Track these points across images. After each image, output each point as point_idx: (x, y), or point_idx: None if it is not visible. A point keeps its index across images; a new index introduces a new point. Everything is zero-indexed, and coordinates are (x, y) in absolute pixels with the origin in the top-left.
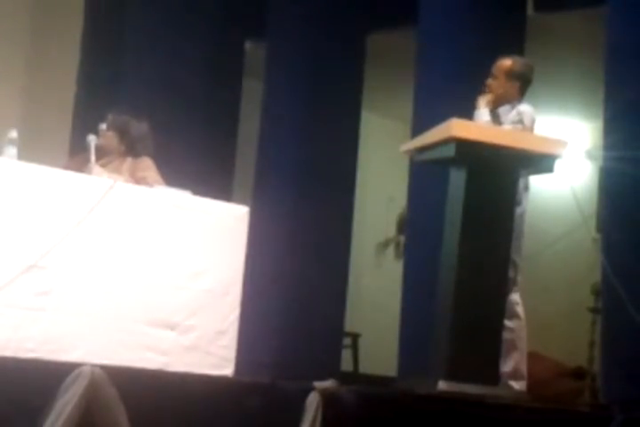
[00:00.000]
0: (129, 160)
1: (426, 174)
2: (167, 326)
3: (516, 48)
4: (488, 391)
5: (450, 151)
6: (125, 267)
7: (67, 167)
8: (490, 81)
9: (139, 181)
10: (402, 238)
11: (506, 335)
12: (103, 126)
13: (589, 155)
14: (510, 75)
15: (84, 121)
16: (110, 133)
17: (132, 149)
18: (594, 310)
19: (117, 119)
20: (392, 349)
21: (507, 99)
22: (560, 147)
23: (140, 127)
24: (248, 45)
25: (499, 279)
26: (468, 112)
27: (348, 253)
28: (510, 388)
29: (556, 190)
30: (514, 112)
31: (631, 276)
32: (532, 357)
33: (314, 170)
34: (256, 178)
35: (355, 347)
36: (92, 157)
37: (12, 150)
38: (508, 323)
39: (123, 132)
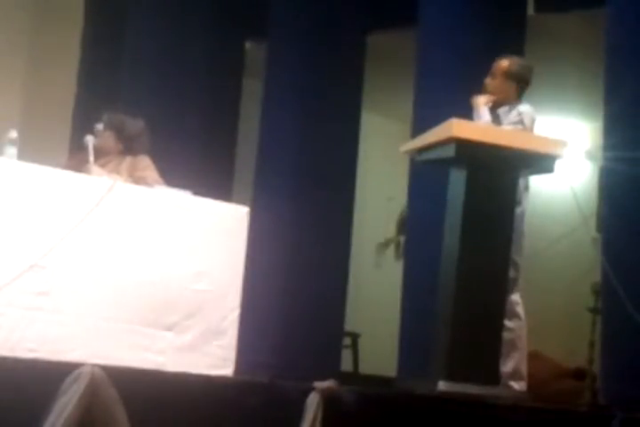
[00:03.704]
0: (128, 159)
1: (426, 174)
2: (167, 326)
3: (515, 48)
4: (488, 391)
5: (450, 151)
6: (125, 267)
7: (67, 166)
8: (488, 80)
9: (138, 180)
10: (402, 238)
11: (506, 335)
12: (99, 126)
13: (589, 155)
14: (508, 75)
15: (84, 121)
16: (107, 133)
17: (129, 147)
18: (594, 310)
19: (113, 118)
20: (392, 349)
21: (505, 99)
22: (560, 147)
23: (135, 125)
24: (248, 45)
25: (499, 279)
26: (468, 112)
27: (348, 253)
28: (510, 388)
29: (556, 190)
30: (514, 112)
31: (631, 276)
32: (532, 357)
33: (314, 170)
34: (256, 178)
35: (355, 347)
36: (91, 158)
37: (12, 150)
38: (508, 323)
39: (119, 131)
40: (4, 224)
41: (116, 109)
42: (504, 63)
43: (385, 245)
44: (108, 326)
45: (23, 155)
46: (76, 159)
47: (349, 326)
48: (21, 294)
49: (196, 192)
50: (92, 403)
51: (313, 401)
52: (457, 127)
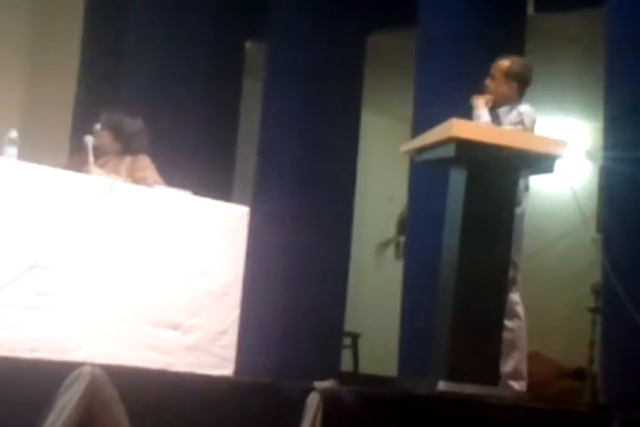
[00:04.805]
0: (127, 159)
1: (426, 174)
2: (169, 325)
3: (515, 48)
4: (488, 391)
5: (450, 151)
6: (126, 267)
7: (67, 166)
8: (488, 81)
9: (138, 181)
10: (402, 238)
11: (506, 335)
12: (97, 126)
13: (589, 155)
14: (508, 75)
15: (84, 121)
16: (105, 133)
17: (127, 146)
18: (594, 310)
19: (111, 118)
20: (392, 349)
21: (506, 99)
22: (560, 147)
23: (133, 124)
24: (248, 45)
25: (499, 279)
26: (468, 112)
27: (348, 253)
28: (510, 388)
29: (556, 190)
30: (514, 113)
31: (631, 276)
32: (532, 357)
33: (314, 170)
34: (256, 178)
35: (355, 347)
36: (91, 159)
37: (12, 150)
38: (508, 323)
39: (117, 131)
40: (4, 224)
41: (114, 109)
42: (505, 63)
43: (385, 245)
44: (112, 326)
45: (23, 155)
46: (76, 160)
47: (349, 326)
48: (22, 293)
49: (196, 192)
50: (91, 403)
51: (313, 401)
52: (457, 127)
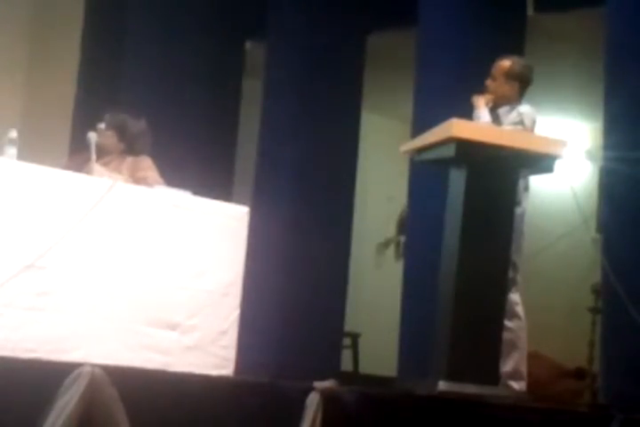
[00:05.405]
0: (129, 159)
1: (426, 174)
2: (168, 326)
3: (515, 48)
4: (488, 391)
5: (450, 151)
6: (125, 267)
7: (67, 166)
8: (489, 82)
9: (139, 181)
10: (402, 238)
11: (506, 335)
12: (102, 126)
13: (589, 155)
14: (509, 75)
15: (84, 121)
16: (109, 132)
17: (130, 147)
18: (594, 310)
19: (115, 118)
20: (392, 349)
21: (506, 99)
22: (560, 147)
23: (137, 125)
24: (248, 45)
25: (499, 279)
26: (468, 112)
27: (348, 253)
28: (510, 388)
29: (556, 190)
30: (514, 113)
31: (631, 276)
32: (532, 357)
33: (314, 170)
34: (256, 178)
35: (355, 347)
36: (93, 156)
37: (12, 150)
38: (507, 323)
39: (121, 131)
40: (3, 224)
41: (117, 109)
42: (505, 63)
43: (385, 245)
44: (111, 326)
45: (23, 155)
46: (78, 158)
47: (349, 326)
48: (22, 294)
49: (196, 192)
50: (91, 403)
51: (313, 401)
52: (457, 127)
